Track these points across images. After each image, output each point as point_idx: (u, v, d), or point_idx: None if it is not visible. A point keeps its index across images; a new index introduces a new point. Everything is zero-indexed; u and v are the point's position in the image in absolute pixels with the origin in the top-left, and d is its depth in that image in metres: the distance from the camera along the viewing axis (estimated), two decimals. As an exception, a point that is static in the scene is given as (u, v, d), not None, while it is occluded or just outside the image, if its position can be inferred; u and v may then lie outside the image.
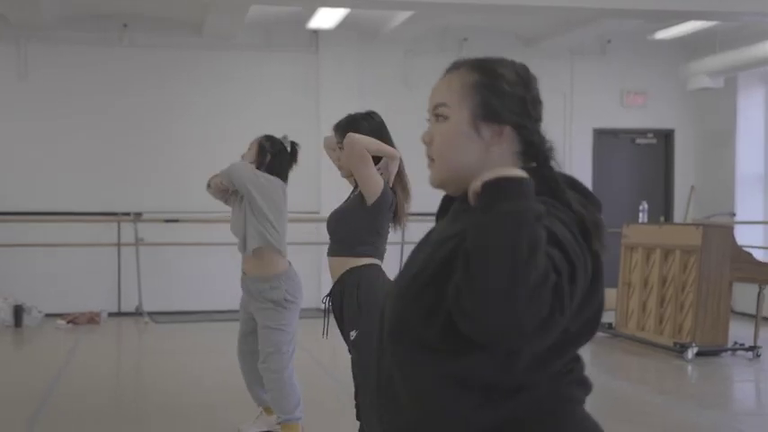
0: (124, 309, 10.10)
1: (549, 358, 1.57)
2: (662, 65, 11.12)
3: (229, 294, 10.17)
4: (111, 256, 10.15)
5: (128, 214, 10.05)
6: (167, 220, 9.95)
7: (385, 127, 3.75)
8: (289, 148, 4.85)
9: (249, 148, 4.88)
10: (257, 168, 4.79)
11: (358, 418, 3.70)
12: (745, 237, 9.43)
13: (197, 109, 10.33)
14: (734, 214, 10.62)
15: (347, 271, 3.62)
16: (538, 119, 1.72)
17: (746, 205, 10.69)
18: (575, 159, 11.06)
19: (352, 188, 3.86)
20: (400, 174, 3.76)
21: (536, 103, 1.72)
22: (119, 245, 10.10)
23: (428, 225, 1.84)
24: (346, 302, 3.60)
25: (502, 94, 1.67)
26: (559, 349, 1.56)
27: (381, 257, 3.70)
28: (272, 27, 10.31)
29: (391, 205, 3.67)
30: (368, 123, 3.73)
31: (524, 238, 1.38)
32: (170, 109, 10.27)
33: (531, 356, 1.54)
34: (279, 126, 9.93)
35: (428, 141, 1.72)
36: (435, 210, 1.80)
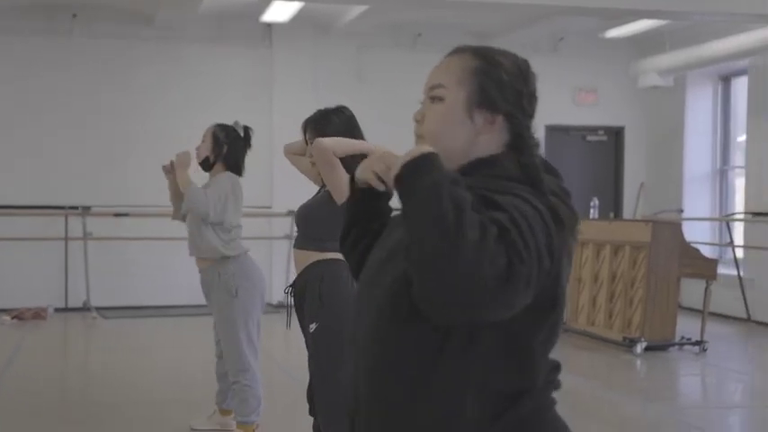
0: (71, 304, 9.94)
1: (544, 353, 1.60)
2: (613, 63, 11.23)
3: (180, 289, 10.13)
4: (59, 250, 9.98)
5: (75, 208, 9.90)
6: (117, 215, 9.83)
7: (355, 120, 3.70)
8: (242, 133, 4.78)
9: (203, 140, 4.80)
10: (215, 160, 4.69)
11: (311, 413, 3.67)
12: (692, 233, 9.58)
13: (148, 101, 10.20)
14: (682, 211, 10.79)
15: (311, 264, 3.59)
16: (531, 114, 1.73)
17: (694, 202, 10.86)
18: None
19: (309, 182, 3.85)
20: None
21: (532, 98, 1.73)
22: (66, 239, 9.94)
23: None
24: (308, 295, 3.57)
25: (500, 83, 1.68)
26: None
27: None
28: (224, 20, 10.22)
29: None
30: (338, 118, 3.67)
31: (446, 201, 1.41)
32: (120, 101, 10.13)
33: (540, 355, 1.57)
34: (232, 119, 9.89)
35: (419, 119, 1.72)
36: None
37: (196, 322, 9.51)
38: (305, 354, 3.63)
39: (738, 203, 10.60)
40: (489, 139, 1.68)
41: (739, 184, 10.74)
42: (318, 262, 3.57)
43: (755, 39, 9.05)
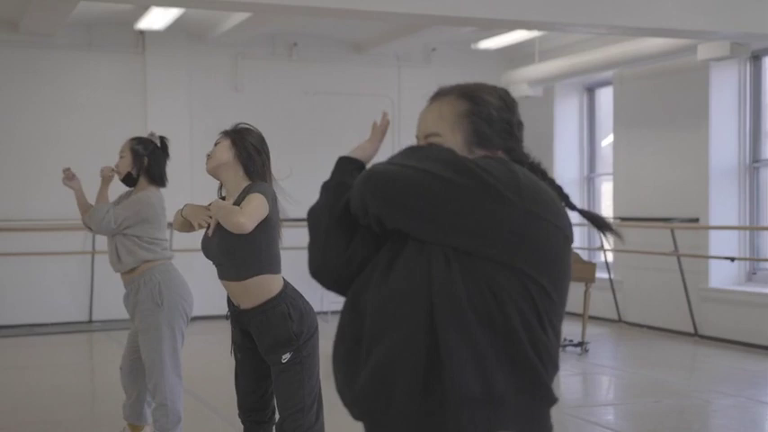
0: (-65, 322, 9.51)
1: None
2: (484, 73, 11.48)
3: (53, 306, 9.84)
4: None
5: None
6: (-18, 228, 9.47)
7: (263, 140, 3.79)
8: (159, 144, 4.68)
9: (121, 156, 4.63)
10: (138, 174, 4.60)
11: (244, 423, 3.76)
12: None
13: (15, 110, 9.85)
14: (553, 217, 11.11)
15: (269, 300, 3.61)
16: (521, 140, 1.81)
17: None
18: (403, 164, 11.28)
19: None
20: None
21: (520, 125, 1.82)
22: (-72, 255, 9.50)
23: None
24: (273, 330, 3.58)
25: (491, 121, 1.75)
26: None
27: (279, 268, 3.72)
28: (94, 26, 9.99)
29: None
30: (250, 137, 3.76)
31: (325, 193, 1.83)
32: (-15, 111, 9.76)
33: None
34: (105, 128, 9.71)
35: None
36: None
37: (70, 340, 9.28)
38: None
39: (606, 208, 11.02)
40: None
41: (605, 189, 11.18)
42: (275, 299, 3.58)
43: (620, 51, 9.46)
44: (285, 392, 3.55)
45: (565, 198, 1.79)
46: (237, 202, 3.59)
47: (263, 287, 3.58)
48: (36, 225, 9.56)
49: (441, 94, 1.80)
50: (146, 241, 4.54)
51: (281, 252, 3.72)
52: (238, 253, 3.57)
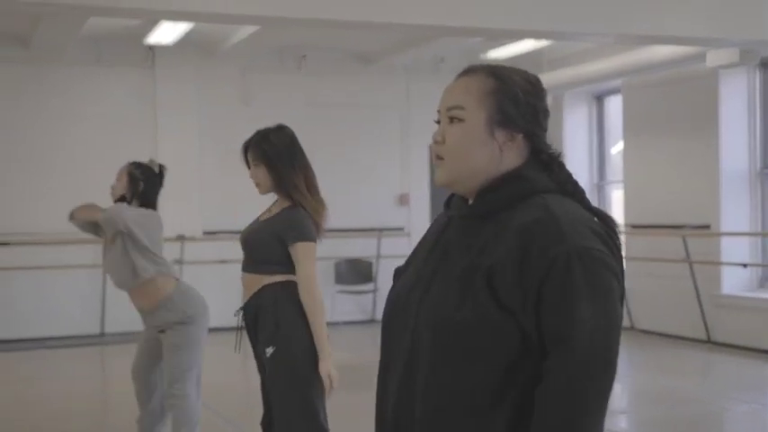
0: (-52, 338, 9.55)
1: None
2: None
3: (65, 320, 9.87)
4: (-66, 282, 9.58)
5: (-49, 237, 9.53)
6: (-4, 243, 9.51)
7: (295, 139, 3.71)
8: (157, 170, 4.72)
9: (118, 179, 4.66)
10: (131, 198, 4.62)
11: None
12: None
13: (26, 125, 9.90)
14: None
15: (263, 287, 3.58)
16: (545, 129, 1.78)
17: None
18: (412, 175, 11.30)
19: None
20: (314, 189, 3.71)
21: (546, 113, 1.78)
22: (-58, 270, 9.55)
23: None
24: (262, 319, 3.55)
25: (517, 102, 1.72)
26: None
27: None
28: (104, 42, 10.04)
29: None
30: (277, 137, 3.68)
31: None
32: (-4, 126, 9.82)
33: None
34: (115, 142, 9.75)
35: (440, 141, 1.74)
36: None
37: (82, 353, 9.30)
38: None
39: (616, 216, 10.99)
40: (511, 155, 1.73)
41: (615, 197, 11.16)
42: (271, 285, 3.56)
43: (629, 60, 9.46)
44: (275, 391, 3.53)
45: (585, 202, 1.75)
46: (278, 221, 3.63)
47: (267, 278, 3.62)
48: (47, 239, 9.60)
49: (469, 71, 1.79)
50: (154, 256, 4.55)
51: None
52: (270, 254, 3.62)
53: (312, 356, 3.51)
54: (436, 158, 1.76)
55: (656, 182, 9.94)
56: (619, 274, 1.64)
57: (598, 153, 11.37)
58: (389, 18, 7.03)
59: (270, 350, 3.50)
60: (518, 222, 1.64)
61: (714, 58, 8.61)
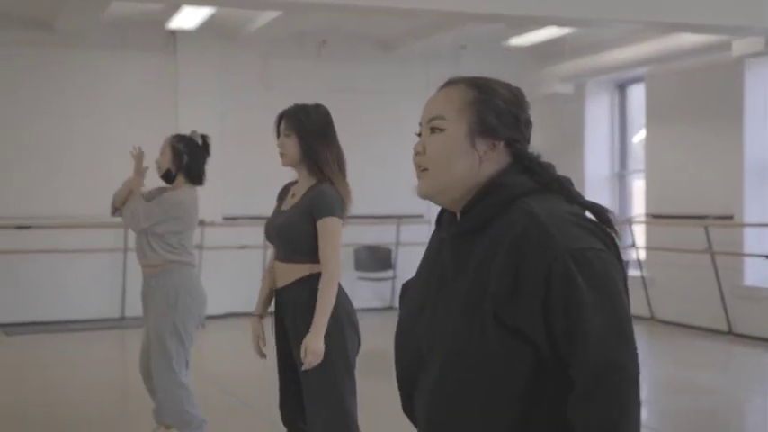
0: (-30, 320, 9.64)
1: None
2: (514, 71, 11.41)
3: (85, 303, 9.93)
4: (-44, 264, 9.66)
5: (-26, 221, 9.60)
6: (19, 227, 9.56)
7: (331, 120, 3.68)
8: (200, 142, 4.69)
9: (162, 153, 4.62)
10: (176, 172, 4.59)
11: (285, 424, 3.66)
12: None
13: (48, 109, 9.94)
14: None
15: (302, 279, 3.52)
16: (528, 140, 1.77)
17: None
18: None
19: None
20: (344, 171, 3.65)
21: (528, 124, 1.77)
22: (-36, 253, 9.62)
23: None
24: (300, 311, 3.50)
25: (498, 112, 1.72)
26: None
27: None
28: (127, 26, 10.06)
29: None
30: (315, 113, 3.65)
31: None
32: (19, 108, 9.85)
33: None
34: (136, 127, 9.78)
35: (420, 151, 1.75)
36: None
37: (102, 336, 9.36)
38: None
39: (637, 206, 10.93)
40: (492, 165, 1.72)
41: (636, 187, 11.08)
42: (308, 278, 3.51)
43: (653, 48, 9.37)
44: (311, 383, 3.50)
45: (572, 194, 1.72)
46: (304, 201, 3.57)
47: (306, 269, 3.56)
48: (69, 222, 9.65)
49: (451, 83, 1.79)
50: (173, 244, 4.54)
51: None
52: (297, 238, 3.56)
53: (345, 354, 3.50)
54: (419, 170, 1.76)
55: (679, 172, 9.86)
56: (617, 266, 1.62)
57: (620, 142, 11.29)
58: (411, 4, 7.00)
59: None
60: (507, 236, 1.62)
61: (740, 46, 8.52)
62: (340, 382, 3.47)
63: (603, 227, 1.65)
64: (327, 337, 3.44)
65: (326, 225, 3.50)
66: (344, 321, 3.52)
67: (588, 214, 1.68)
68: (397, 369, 1.80)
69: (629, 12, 7.39)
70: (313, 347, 3.40)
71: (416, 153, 1.75)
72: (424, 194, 1.76)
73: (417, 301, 1.76)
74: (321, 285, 3.45)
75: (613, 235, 1.65)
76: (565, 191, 1.70)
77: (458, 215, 1.74)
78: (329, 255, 3.48)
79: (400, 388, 1.81)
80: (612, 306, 1.57)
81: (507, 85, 1.78)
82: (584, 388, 1.56)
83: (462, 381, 1.62)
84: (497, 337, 1.58)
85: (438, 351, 1.66)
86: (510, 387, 1.59)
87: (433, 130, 1.74)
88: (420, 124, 1.78)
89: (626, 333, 1.59)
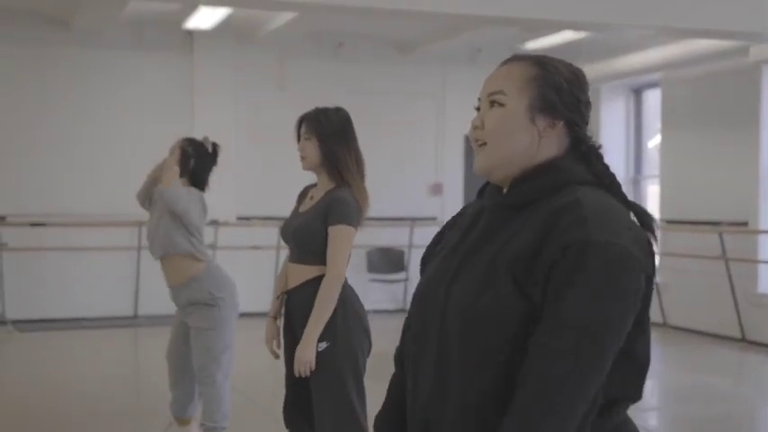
0: (-15, 316, 9.69)
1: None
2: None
3: (98, 301, 9.98)
4: (-28, 260, 9.72)
5: (-10, 217, 9.66)
6: (33, 224, 9.61)
7: (351, 124, 3.68)
8: (210, 149, 4.71)
9: (171, 153, 4.61)
10: (181, 174, 4.57)
11: (287, 426, 3.66)
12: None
13: (63, 107, 10.00)
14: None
15: (314, 279, 3.51)
16: (587, 121, 1.77)
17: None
18: (447, 164, 11.27)
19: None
20: (363, 174, 3.65)
21: (588, 105, 1.77)
22: (-20, 249, 9.68)
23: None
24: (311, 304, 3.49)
25: (560, 90, 1.71)
26: None
27: None
28: (144, 26, 10.10)
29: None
30: (336, 116, 3.64)
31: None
32: (34, 106, 9.91)
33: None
34: (151, 126, 9.83)
35: (479, 125, 1.73)
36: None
37: (115, 334, 9.40)
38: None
39: (652, 211, 10.88)
40: (550, 143, 1.71)
41: (651, 192, 11.05)
42: (319, 279, 3.50)
43: (668, 53, 9.34)
44: (321, 388, 3.48)
45: (619, 195, 1.72)
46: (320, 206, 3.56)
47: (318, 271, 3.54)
48: (83, 220, 9.70)
49: (513, 59, 1.77)
50: (190, 236, 4.55)
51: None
52: (312, 241, 3.54)
53: (354, 358, 3.50)
54: (476, 144, 1.74)
55: (694, 177, 9.83)
56: (643, 274, 1.59)
57: (635, 147, 11.26)
58: (427, 7, 7.00)
59: (323, 345, 3.45)
60: (546, 209, 1.62)
61: (757, 52, 8.48)
62: (348, 386, 3.46)
63: (644, 231, 1.64)
64: (335, 339, 3.44)
65: (339, 232, 3.49)
66: (354, 324, 3.52)
67: (632, 216, 1.67)
68: (409, 337, 1.78)
69: (644, 17, 7.37)
70: (300, 355, 3.40)
71: (474, 127, 1.72)
72: (481, 168, 1.73)
73: (439, 269, 1.74)
74: (321, 289, 3.44)
75: (652, 241, 1.64)
76: (615, 188, 1.71)
77: (504, 190, 1.73)
78: (336, 261, 3.48)
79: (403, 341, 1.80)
80: (602, 307, 1.53)
81: (569, 65, 1.77)
82: (528, 364, 1.54)
83: (476, 342, 1.60)
84: (510, 299, 1.57)
85: (454, 312, 1.64)
86: (504, 334, 1.58)
87: (492, 104, 1.72)
88: (479, 99, 1.76)
89: (602, 344, 1.54)
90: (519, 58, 1.76)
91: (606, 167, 1.74)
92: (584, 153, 1.73)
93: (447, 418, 1.64)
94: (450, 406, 1.64)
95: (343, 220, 3.49)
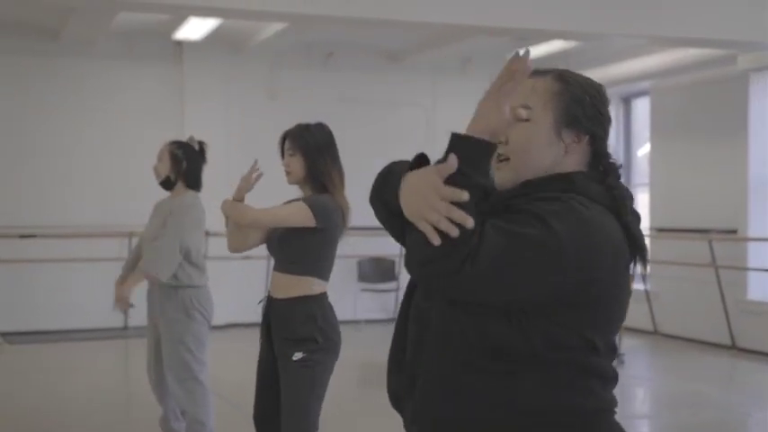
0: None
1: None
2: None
3: (88, 312, 9.93)
4: (-39, 272, 9.68)
5: (-21, 229, 9.62)
6: (23, 236, 9.58)
7: (333, 138, 3.78)
8: (197, 148, 4.71)
9: (159, 160, 4.61)
10: (176, 178, 4.58)
11: (257, 426, 3.76)
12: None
13: (55, 118, 9.98)
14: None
15: (301, 297, 3.59)
16: (608, 135, 1.78)
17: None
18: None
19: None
20: (343, 187, 3.75)
21: (609, 120, 1.78)
22: (-31, 261, 9.64)
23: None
24: (298, 325, 3.56)
25: (584, 105, 1.72)
26: None
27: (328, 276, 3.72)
28: (134, 36, 10.10)
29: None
30: (318, 131, 3.74)
31: None
32: (24, 117, 9.89)
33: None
34: (142, 137, 9.80)
35: (503, 141, 1.71)
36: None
37: (105, 346, 9.36)
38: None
39: (642, 219, 10.91)
40: (574, 159, 1.72)
41: (641, 200, 11.07)
42: (305, 299, 3.58)
43: (657, 62, 9.39)
44: (290, 392, 3.54)
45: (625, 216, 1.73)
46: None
47: (304, 285, 3.61)
48: (73, 231, 9.67)
49: (536, 73, 1.75)
50: (189, 261, 4.50)
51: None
52: (292, 248, 3.62)
53: (323, 383, 3.59)
54: (498, 160, 1.72)
55: (683, 185, 9.86)
56: (595, 248, 1.61)
57: (624, 155, 11.28)
58: (417, 17, 7.02)
59: (299, 355, 3.52)
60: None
61: (745, 61, 8.53)
62: (313, 409, 3.56)
63: (631, 254, 1.70)
64: (312, 353, 3.52)
65: (298, 204, 3.62)
66: (331, 348, 3.59)
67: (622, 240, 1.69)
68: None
69: (633, 26, 7.41)
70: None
71: (498, 143, 1.67)
72: (507, 183, 1.72)
73: None
74: (243, 207, 3.82)
75: (631, 261, 1.71)
76: (622, 208, 1.71)
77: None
78: (269, 213, 3.66)
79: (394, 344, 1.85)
80: (523, 248, 1.53)
81: (589, 79, 1.78)
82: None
83: (453, 307, 1.66)
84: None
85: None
86: (496, 313, 1.64)
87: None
88: None
89: (509, 262, 1.53)
90: (542, 72, 1.76)
91: (620, 187, 1.73)
92: (602, 172, 1.74)
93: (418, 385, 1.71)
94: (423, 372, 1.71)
95: (308, 202, 3.61)
